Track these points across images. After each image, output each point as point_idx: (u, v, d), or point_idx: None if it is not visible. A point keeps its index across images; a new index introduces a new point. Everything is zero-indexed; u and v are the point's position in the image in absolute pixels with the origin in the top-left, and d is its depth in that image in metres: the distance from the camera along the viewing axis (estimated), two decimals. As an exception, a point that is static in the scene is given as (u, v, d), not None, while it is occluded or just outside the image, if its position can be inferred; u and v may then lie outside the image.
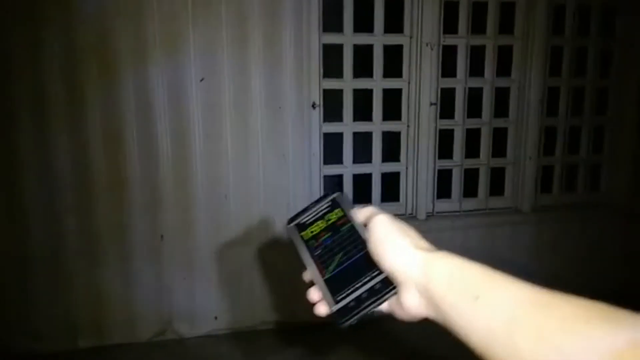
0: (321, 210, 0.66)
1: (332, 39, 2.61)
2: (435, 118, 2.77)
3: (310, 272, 0.61)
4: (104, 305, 2.43)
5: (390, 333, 2.29)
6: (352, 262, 0.58)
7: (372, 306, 0.54)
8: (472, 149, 2.92)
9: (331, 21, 2.58)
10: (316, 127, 2.60)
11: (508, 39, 2.86)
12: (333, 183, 2.76)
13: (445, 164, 2.88)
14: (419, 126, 2.75)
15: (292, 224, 0.67)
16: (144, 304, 2.45)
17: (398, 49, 2.72)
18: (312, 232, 0.64)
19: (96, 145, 2.29)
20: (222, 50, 2.34)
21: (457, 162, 2.90)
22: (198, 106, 2.36)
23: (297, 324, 2.55)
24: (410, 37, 2.70)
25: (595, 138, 3.10)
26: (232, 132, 2.42)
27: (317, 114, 2.59)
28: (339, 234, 0.62)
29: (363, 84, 2.71)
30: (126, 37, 2.24)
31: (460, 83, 2.82)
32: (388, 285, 0.54)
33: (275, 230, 2.51)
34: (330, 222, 0.64)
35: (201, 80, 2.34)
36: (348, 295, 0.56)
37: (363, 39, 2.67)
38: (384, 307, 0.55)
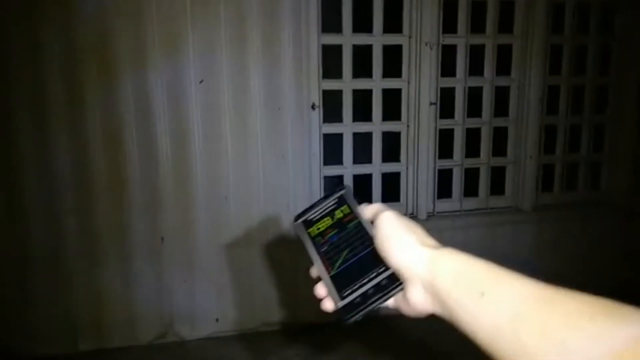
0: (328, 207, 0.67)
1: (331, 39, 2.61)
2: (435, 118, 2.77)
3: (317, 268, 0.61)
4: (104, 305, 2.42)
5: (396, 329, 2.29)
6: (359, 258, 0.59)
7: (378, 302, 0.55)
8: (472, 149, 2.92)
9: (330, 21, 2.58)
10: (316, 127, 2.60)
11: (507, 38, 2.86)
12: (333, 184, 2.76)
13: (445, 163, 2.88)
14: (419, 126, 2.75)
15: (299, 221, 0.68)
16: (144, 304, 2.45)
17: (397, 49, 2.72)
18: (318, 228, 0.65)
19: (96, 146, 2.29)
20: (221, 50, 2.34)
21: (458, 161, 2.90)
22: (197, 106, 2.37)
23: (299, 325, 2.55)
24: (410, 37, 2.70)
25: (595, 136, 3.10)
26: (232, 133, 2.42)
27: (316, 115, 2.59)
28: (346, 230, 0.63)
29: (362, 84, 2.71)
30: (126, 38, 2.24)
31: (460, 82, 2.82)
32: (394, 282, 0.54)
33: (275, 230, 2.51)
34: (336, 219, 0.65)
35: (200, 82, 2.34)
36: (354, 291, 0.56)
37: (362, 39, 2.67)
38: (390, 303, 0.56)
